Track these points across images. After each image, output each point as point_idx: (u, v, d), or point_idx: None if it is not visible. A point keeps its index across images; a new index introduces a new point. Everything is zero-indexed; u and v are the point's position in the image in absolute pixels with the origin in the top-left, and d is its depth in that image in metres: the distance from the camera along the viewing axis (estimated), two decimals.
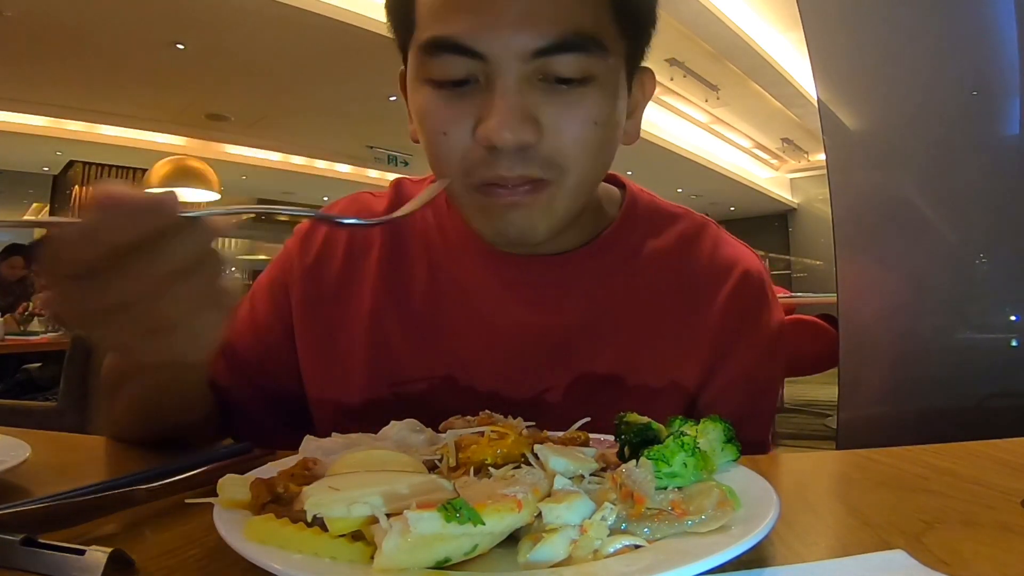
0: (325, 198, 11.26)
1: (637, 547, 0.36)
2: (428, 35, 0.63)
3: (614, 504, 0.39)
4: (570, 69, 0.62)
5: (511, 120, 0.60)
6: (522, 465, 0.44)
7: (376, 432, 0.55)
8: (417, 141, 0.71)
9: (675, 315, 0.76)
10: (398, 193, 0.86)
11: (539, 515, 0.37)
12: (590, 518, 0.37)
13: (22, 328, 4.05)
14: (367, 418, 0.72)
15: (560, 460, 0.43)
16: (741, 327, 0.77)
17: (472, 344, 0.76)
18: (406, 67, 0.71)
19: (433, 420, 0.69)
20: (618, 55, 0.66)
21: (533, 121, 0.61)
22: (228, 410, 0.81)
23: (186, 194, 6.39)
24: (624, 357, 0.75)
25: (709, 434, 0.50)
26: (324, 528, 0.36)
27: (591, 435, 0.55)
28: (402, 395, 0.76)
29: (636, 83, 0.72)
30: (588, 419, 0.57)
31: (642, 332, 0.76)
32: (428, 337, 0.77)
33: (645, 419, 0.51)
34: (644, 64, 0.73)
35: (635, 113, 0.74)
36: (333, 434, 0.54)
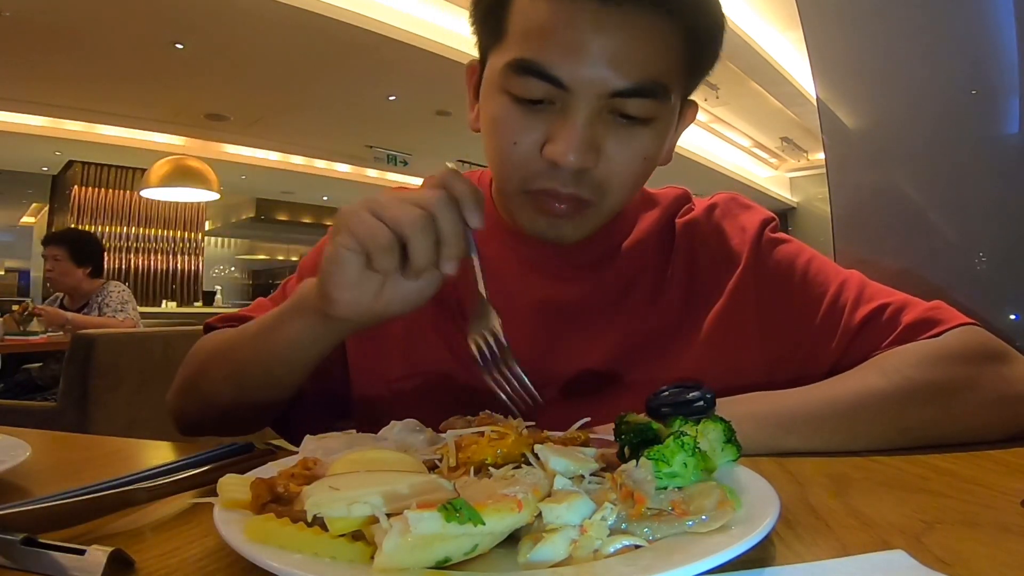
0: (325, 198, 11.27)
1: (637, 547, 0.36)
2: (519, 56, 0.68)
3: (614, 504, 0.39)
4: (638, 110, 0.69)
5: (579, 146, 0.67)
6: (522, 465, 0.44)
7: (377, 430, 0.55)
8: (477, 130, 0.79)
9: (676, 270, 0.84)
10: None
11: (539, 515, 0.37)
12: (590, 518, 0.37)
13: (22, 328, 4.04)
14: (404, 395, 0.81)
15: (560, 460, 0.43)
16: (729, 246, 0.84)
17: None
18: (482, 65, 0.78)
19: (462, 391, 0.79)
20: (678, 96, 0.74)
21: (596, 150, 0.69)
22: (292, 406, 0.83)
23: (185, 194, 6.40)
24: (636, 320, 0.81)
25: (709, 434, 0.50)
26: (324, 528, 0.36)
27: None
28: (435, 369, 0.82)
29: (680, 113, 0.78)
30: (588, 419, 0.57)
31: (650, 293, 0.83)
32: (458, 316, 0.83)
33: (645, 419, 0.51)
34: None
35: (674, 138, 0.80)
36: (333, 434, 0.54)
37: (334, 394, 0.86)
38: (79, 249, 3.71)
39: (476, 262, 0.62)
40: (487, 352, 0.61)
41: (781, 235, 0.86)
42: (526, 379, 0.61)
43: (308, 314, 0.67)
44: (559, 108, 0.68)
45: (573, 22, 0.66)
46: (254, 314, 0.87)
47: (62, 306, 3.83)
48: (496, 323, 0.62)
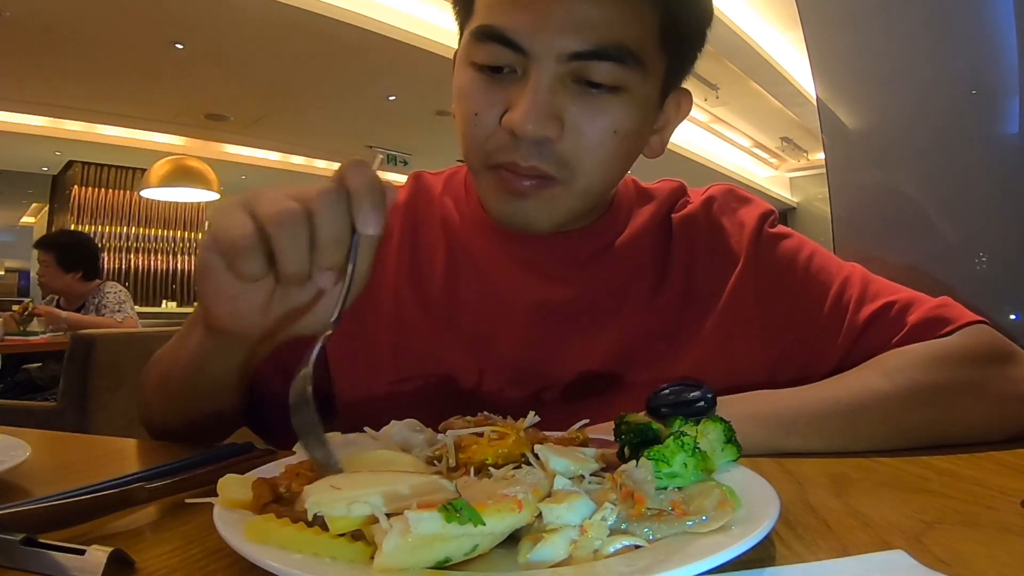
0: None
1: (637, 547, 0.36)
2: (479, 23, 0.68)
3: (614, 504, 0.39)
4: (602, 76, 0.66)
5: (536, 114, 0.64)
6: (522, 465, 0.44)
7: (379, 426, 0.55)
8: None
9: (675, 268, 0.81)
10: (418, 185, 0.89)
11: (539, 515, 0.37)
12: (590, 518, 0.37)
13: (22, 328, 4.05)
14: (393, 400, 0.78)
15: (560, 460, 0.43)
16: (728, 242, 0.82)
17: (489, 319, 0.80)
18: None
19: (455, 396, 0.76)
20: (655, 72, 0.70)
21: (557, 119, 0.65)
22: (261, 407, 0.81)
23: (186, 194, 6.40)
24: (634, 320, 0.79)
25: (709, 434, 0.50)
26: (324, 528, 0.36)
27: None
28: (426, 373, 0.79)
29: (671, 101, 0.76)
30: (587, 420, 0.57)
31: (648, 292, 0.80)
32: (448, 315, 0.81)
33: (645, 419, 0.51)
34: (684, 85, 0.77)
35: (664, 130, 0.77)
36: (332, 434, 0.54)
37: (319, 392, 0.84)
38: (67, 254, 3.70)
39: (347, 278, 0.50)
40: (296, 398, 0.47)
41: (781, 229, 0.84)
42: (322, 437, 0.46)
43: (199, 327, 0.62)
44: (520, 76, 0.66)
45: None
46: None
47: (58, 307, 3.83)
48: (311, 363, 0.48)
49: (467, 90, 0.69)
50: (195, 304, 0.67)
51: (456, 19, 0.76)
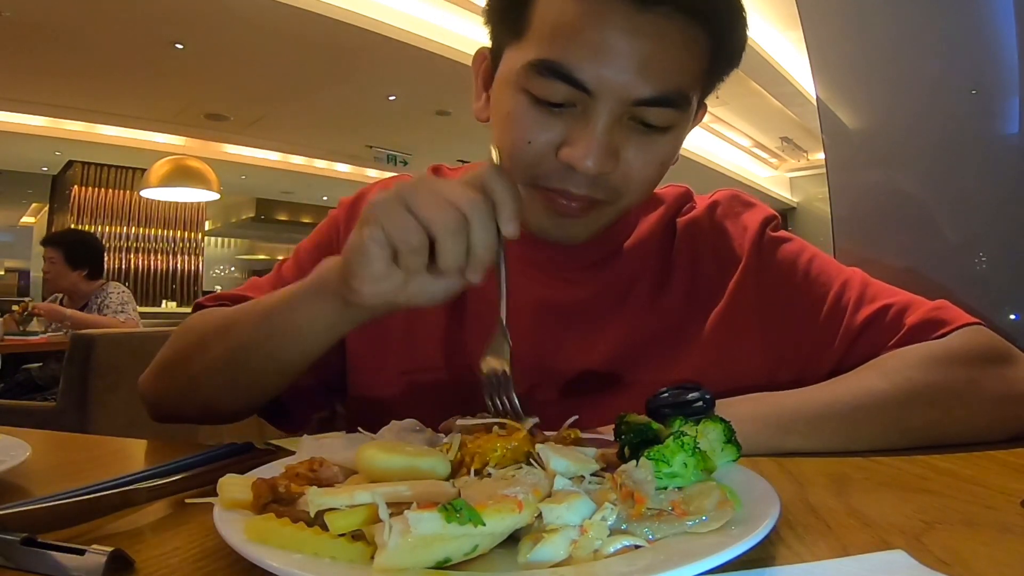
0: (324, 198, 11.25)
1: (637, 547, 0.36)
2: (544, 56, 0.66)
3: (614, 504, 0.39)
4: (659, 119, 0.68)
5: (598, 152, 0.66)
6: (523, 465, 0.44)
7: (371, 423, 0.55)
8: (483, 120, 0.78)
9: (678, 271, 0.83)
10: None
11: (539, 515, 0.37)
12: (590, 518, 0.37)
13: (22, 328, 4.04)
14: (404, 392, 0.80)
15: (561, 460, 0.43)
16: (730, 245, 0.84)
17: (492, 315, 0.79)
18: (493, 56, 0.76)
19: (462, 389, 0.75)
20: (696, 101, 0.73)
21: (615, 156, 0.68)
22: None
23: (186, 194, 6.40)
24: (637, 321, 0.80)
25: (709, 434, 0.50)
26: (324, 528, 0.36)
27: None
28: (435, 367, 0.81)
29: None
30: (577, 417, 0.57)
31: (651, 294, 0.82)
32: (457, 312, 0.82)
33: (645, 419, 0.51)
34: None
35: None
36: (332, 434, 0.54)
37: (328, 385, 0.85)
38: (74, 252, 3.72)
39: (503, 278, 0.61)
40: (494, 379, 0.59)
41: (783, 233, 0.86)
42: (520, 411, 0.57)
43: (328, 298, 0.64)
44: (579, 111, 0.67)
45: (603, 24, 0.64)
46: (250, 294, 0.84)
47: (62, 305, 3.83)
48: (507, 353, 0.59)
49: (519, 117, 0.69)
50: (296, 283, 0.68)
51: (491, 28, 0.75)
